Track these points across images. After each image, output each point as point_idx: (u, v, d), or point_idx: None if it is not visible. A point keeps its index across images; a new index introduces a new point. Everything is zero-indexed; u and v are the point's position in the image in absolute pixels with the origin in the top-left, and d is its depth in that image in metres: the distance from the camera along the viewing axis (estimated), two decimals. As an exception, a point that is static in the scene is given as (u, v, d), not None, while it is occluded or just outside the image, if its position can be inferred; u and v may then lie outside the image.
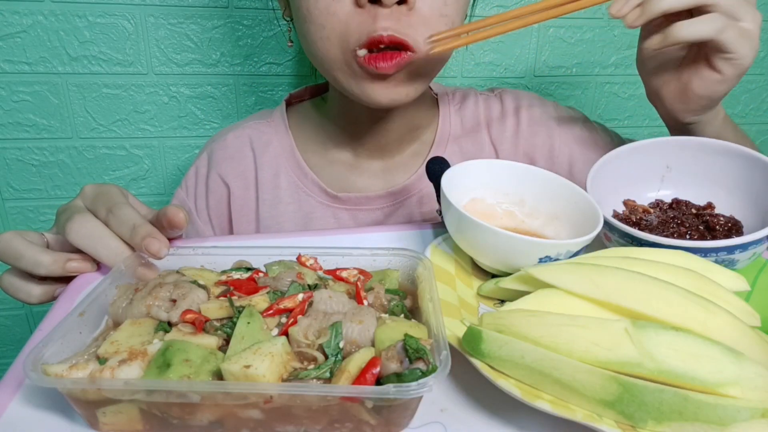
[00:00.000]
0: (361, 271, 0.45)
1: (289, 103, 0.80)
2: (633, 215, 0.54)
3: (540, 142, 0.76)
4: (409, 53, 0.56)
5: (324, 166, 0.74)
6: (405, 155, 0.75)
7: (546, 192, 0.54)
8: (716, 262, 0.45)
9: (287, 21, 0.68)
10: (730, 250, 0.44)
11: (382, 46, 0.55)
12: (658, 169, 0.57)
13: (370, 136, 0.72)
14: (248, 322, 0.36)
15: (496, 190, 0.56)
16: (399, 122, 0.71)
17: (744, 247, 0.44)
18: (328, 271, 0.45)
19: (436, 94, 0.79)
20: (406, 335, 0.34)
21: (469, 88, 0.81)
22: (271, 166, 0.74)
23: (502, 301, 0.48)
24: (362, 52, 0.56)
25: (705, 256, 0.44)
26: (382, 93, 0.60)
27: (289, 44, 0.72)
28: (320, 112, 0.76)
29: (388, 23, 0.54)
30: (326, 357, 0.35)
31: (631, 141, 0.61)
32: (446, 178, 0.51)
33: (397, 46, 0.56)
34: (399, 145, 0.75)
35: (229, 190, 0.74)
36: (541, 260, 0.45)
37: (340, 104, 0.71)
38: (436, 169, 0.55)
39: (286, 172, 0.74)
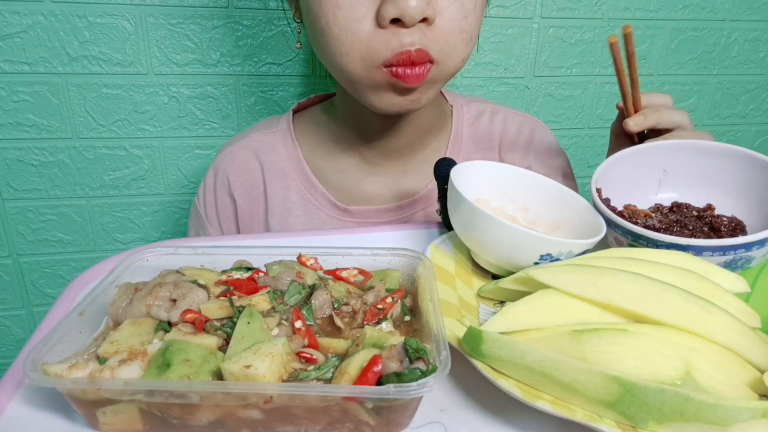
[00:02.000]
0: (361, 271, 0.45)
1: (295, 111, 0.79)
2: (635, 220, 0.54)
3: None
4: (430, 65, 0.57)
5: (332, 175, 0.74)
6: (415, 163, 0.75)
7: (551, 201, 0.55)
8: (735, 259, 0.45)
9: (297, 23, 0.67)
10: (748, 247, 0.45)
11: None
12: (655, 173, 0.57)
13: (380, 140, 0.72)
14: (248, 322, 0.36)
15: (501, 194, 0.56)
16: (410, 126, 0.71)
17: (762, 243, 0.44)
18: (328, 271, 0.45)
19: (452, 105, 0.78)
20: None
21: (486, 103, 0.81)
22: (279, 179, 0.74)
23: (502, 302, 0.47)
24: (390, 69, 0.56)
25: (724, 254, 0.45)
26: (397, 102, 0.60)
27: (298, 46, 0.71)
28: (328, 115, 0.76)
29: (413, 38, 0.55)
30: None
31: None
32: (455, 172, 0.51)
33: (422, 58, 0.56)
34: (410, 151, 0.74)
35: (236, 204, 0.74)
36: (542, 257, 0.45)
37: (349, 108, 0.71)
38: (443, 170, 0.55)
39: (296, 185, 0.73)
